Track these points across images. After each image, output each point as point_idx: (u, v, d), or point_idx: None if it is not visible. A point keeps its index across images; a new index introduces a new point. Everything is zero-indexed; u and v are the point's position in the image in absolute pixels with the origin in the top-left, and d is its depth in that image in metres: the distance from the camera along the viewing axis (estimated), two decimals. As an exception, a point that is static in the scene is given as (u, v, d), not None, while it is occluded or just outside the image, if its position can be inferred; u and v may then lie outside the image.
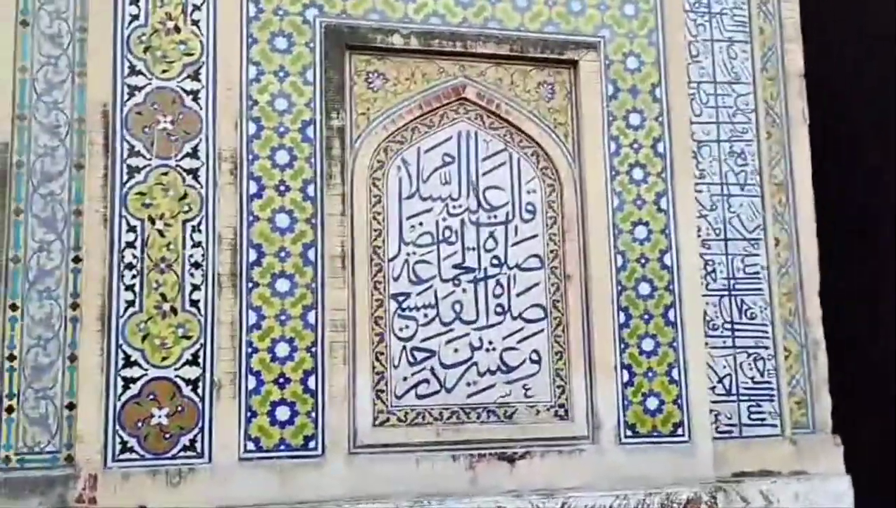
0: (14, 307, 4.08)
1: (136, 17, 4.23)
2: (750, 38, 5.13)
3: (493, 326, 4.52)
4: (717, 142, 5.03)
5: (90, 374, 4.01)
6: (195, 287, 4.14)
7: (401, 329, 4.42)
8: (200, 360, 4.11)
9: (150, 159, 4.18)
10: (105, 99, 4.16)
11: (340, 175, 4.36)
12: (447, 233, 4.54)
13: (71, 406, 4.07)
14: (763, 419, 4.86)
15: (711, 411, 4.72)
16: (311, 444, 4.17)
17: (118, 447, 4.00)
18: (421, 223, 4.52)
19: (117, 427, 4.00)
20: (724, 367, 4.86)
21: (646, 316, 4.64)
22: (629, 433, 4.54)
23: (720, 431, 4.77)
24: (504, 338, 4.53)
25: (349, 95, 4.46)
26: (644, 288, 4.66)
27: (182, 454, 4.05)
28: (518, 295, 4.57)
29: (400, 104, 4.54)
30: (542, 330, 4.58)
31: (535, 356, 4.55)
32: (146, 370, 4.06)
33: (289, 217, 4.27)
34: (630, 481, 4.43)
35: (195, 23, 4.29)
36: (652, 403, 4.59)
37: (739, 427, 4.83)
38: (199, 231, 4.18)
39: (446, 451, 4.31)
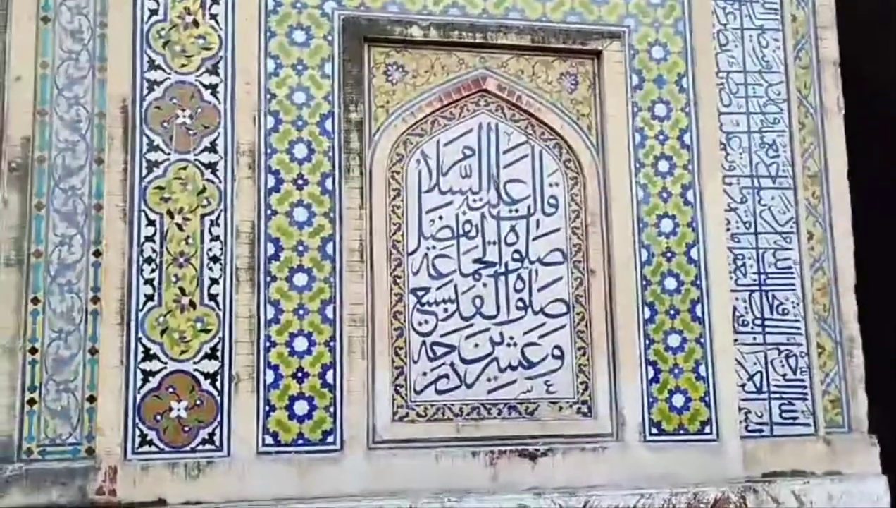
0: (36, 301, 4.13)
1: (154, 12, 4.26)
2: (782, 26, 4.98)
3: (514, 321, 4.45)
4: (747, 133, 4.89)
5: (110, 367, 4.04)
6: (213, 281, 4.15)
7: (420, 324, 4.38)
8: (219, 354, 4.11)
9: (168, 154, 4.19)
10: (125, 94, 4.19)
11: (359, 169, 4.33)
12: (467, 227, 4.49)
13: (92, 399, 4.10)
14: (795, 418, 4.71)
15: (741, 409, 4.60)
16: (330, 439, 4.15)
17: (138, 439, 4.02)
18: (441, 217, 4.47)
19: (137, 420, 4.03)
20: (755, 364, 4.72)
21: (672, 311, 4.53)
22: (654, 430, 4.44)
23: (750, 429, 4.64)
24: (525, 333, 4.45)
25: (368, 87, 4.43)
26: (670, 283, 4.55)
27: (201, 447, 4.06)
28: (540, 290, 4.50)
29: (419, 97, 4.50)
30: (565, 325, 4.50)
31: (557, 352, 4.47)
32: (165, 363, 4.08)
33: (307, 211, 4.26)
34: (655, 480, 4.33)
35: (213, 17, 4.29)
36: (678, 400, 4.48)
37: (770, 426, 4.69)
38: (218, 225, 4.18)
39: (466, 447, 4.26)
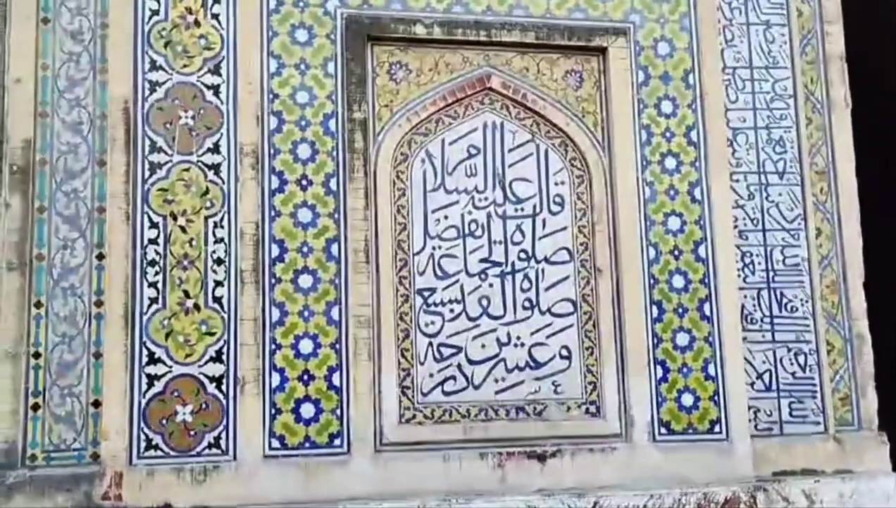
0: (39, 305, 4.09)
1: (156, 12, 4.21)
2: (787, 21, 4.95)
3: (521, 321, 4.42)
4: (753, 129, 4.85)
5: (115, 371, 4.00)
6: (218, 284, 4.11)
7: (427, 325, 4.34)
8: (224, 357, 4.08)
9: (171, 155, 4.15)
10: (126, 95, 4.15)
11: (363, 169, 4.29)
12: (473, 226, 4.45)
13: (96, 404, 4.07)
14: (805, 416, 4.68)
15: (750, 408, 4.57)
16: (337, 442, 4.11)
17: (143, 444, 3.98)
18: (446, 217, 4.43)
19: (142, 425, 3.99)
20: (764, 362, 4.69)
21: (680, 310, 4.49)
22: (663, 430, 4.40)
23: (760, 428, 4.61)
24: (532, 333, 4.42)
25: (371, 86, 4.39)
26: (678, 281, 4.51)
27: (206, 451, 4.02)
28: (547, 289, 4.46)
29: (423, 95, 4.46)
30: (572, 325, 4.46)
31: (564, 352, 4.43)
32: (170, 367, 4.04)
33: (311, 212, 4.22)
34: (664, 480, 4.29)
35: (215, 16, 4.25)
36: (687, 399, 4.45)
37: (780, 425, 4.66)
38: (222, 227, 4.15)
39: (474, 449, 4.22)
